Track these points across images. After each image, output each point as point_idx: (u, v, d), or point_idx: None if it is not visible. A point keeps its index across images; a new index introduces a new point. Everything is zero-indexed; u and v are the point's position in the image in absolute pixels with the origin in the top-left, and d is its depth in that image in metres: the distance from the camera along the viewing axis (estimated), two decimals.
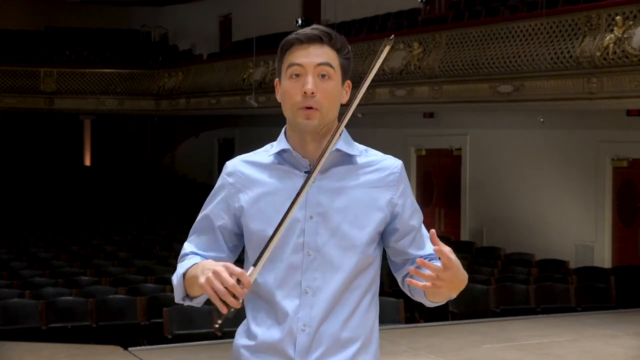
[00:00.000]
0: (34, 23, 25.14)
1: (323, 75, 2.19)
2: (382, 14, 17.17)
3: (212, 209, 2.30)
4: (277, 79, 2.29)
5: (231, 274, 1.99)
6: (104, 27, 25.81)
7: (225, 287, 1.99)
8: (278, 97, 2.28)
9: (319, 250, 2.19)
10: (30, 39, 23.94)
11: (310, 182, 2.13)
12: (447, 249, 2.06)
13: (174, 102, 22.23)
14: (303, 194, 2.09)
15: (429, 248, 2.28)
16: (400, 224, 2.26)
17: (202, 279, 2.03)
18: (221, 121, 22.71)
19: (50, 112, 22.42)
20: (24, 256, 12.78)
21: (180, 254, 2.30)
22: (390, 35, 2.09)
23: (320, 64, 2.18)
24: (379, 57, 2.09)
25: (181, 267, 2.22)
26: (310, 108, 2.18)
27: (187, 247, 2.31)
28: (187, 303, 2.24)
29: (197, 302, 2.23)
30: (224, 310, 2.00)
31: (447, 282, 2.09)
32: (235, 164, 2.30)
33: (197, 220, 2.34)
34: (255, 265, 2.04)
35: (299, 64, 2.19)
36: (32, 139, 25.42)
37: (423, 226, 2.33)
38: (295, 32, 2.25)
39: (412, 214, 2.28)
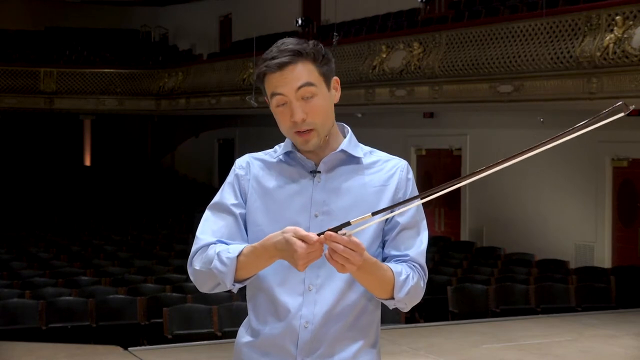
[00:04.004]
0: (34, 23, 25.14)
1: (307, 96, 2.16)
2: (382, 14, 17.17)
3: (228, 198, 2.27)
4: (264, 96, 2.26)
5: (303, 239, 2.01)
6: (104, 27, 25.81)
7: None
8: (272, 110, 2.25)
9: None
10: (30, 39, 23.94)
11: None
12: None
13: (174, 102, 22.23)
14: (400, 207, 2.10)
15: (412, 250, 2.23)
16: (391, 219, 2.25)
17: (298, 263, 2.01)
18: (221, 121, 22.72)
19: (50, 112, 22.42)
20: (24, 256, 12.77)
21: (200, 244, 2.22)
22: (630, 106, 1.84)
23: (300, 87, 2.15)
24: (605, 118, 1.86)
25: (227, 252, 2.15)
26: (306, 131, 2.18)
27: (206, 237, 2.23)
28: (236, 287, 2.20)
29: (240, 285, 2.21)
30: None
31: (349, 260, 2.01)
32: (245, 159, 2.32)
33: (209, 211, 2.28)
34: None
35: (280, 94, 2.17)
36: (32, 139, 25.42)
37: (420, 232, 2.27)
38: (265, 58, 2.18)
39: (404, 211, 2.23)
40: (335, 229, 2.00)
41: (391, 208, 2.11)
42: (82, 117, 23.99)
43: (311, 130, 2.18)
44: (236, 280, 2.17)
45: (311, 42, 2.21)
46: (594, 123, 1.84)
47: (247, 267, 2.15)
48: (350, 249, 1.99)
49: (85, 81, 22.09)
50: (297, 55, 2.16)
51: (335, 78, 2.25)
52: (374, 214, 2.02)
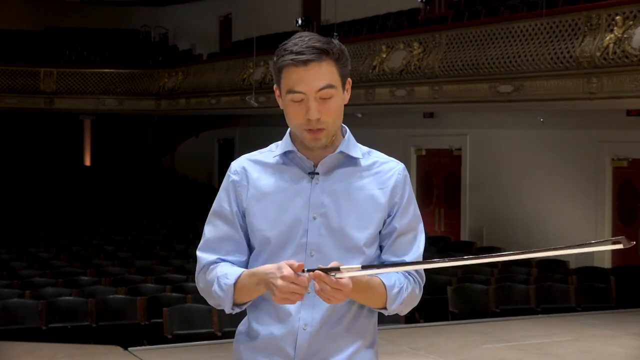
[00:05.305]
0: (34, 23, 25.13)
1: (325, 98, 2.15)
2: (382, 14, 17.17)
3: (225, 206, 2.27)
4: (275, 86, 2.24)
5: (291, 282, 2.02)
6: (104, 27, 25.81)
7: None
8: (279, 103, 2.24)
9: (322, 251, 2.19)
10: (30, 39, 23.94)
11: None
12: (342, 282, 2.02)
13: (174, 102, 22.22)
14: None
15: (409, 255, 2.25)
16: (389, 224, 2.25)
17: (276, 299, 2.05)
18: (221, 121, 22.71)
19: (50, 112, 22.42)
20: (24, 256, 12.76)
21: (202, 264, 2.26)
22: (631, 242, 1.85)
23: (321, 89, 2.14)
24: (596, 245, 1.87)
25: (226, 277, 2.18)
26: (317, 130, 2.17)
27: (207, 256, 2.26)
28: (235, 311, 2.24)
29: (240, 309, 2.25)
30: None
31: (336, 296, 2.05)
32: (241, 163, 2.30)
33: (208, 225, 2.29)
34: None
35: (300, 92, 2.14)
36: (32, 139, 25.41)
37: (417, 236, 2.28)
38: (290, 50, 2.14)
39: (401, 216, 2.25)
40: (325, 270, 2.01)
41: (380, 267, 2.10)
42: (82, 117, 23.99)
43: (322, 129, 2.17)
44: (235, 304, 2.20)
45: (334, 41, 2.19)
46: (589, 247, 1.86)
47: (244, 292, 2.17)
48: (337, 288, 2.01)
49: (85, 81, 22.09)
50: (324, 54, 2.14)
51: (349, 79, 2.24)
52: (364, 267, 2.03)
